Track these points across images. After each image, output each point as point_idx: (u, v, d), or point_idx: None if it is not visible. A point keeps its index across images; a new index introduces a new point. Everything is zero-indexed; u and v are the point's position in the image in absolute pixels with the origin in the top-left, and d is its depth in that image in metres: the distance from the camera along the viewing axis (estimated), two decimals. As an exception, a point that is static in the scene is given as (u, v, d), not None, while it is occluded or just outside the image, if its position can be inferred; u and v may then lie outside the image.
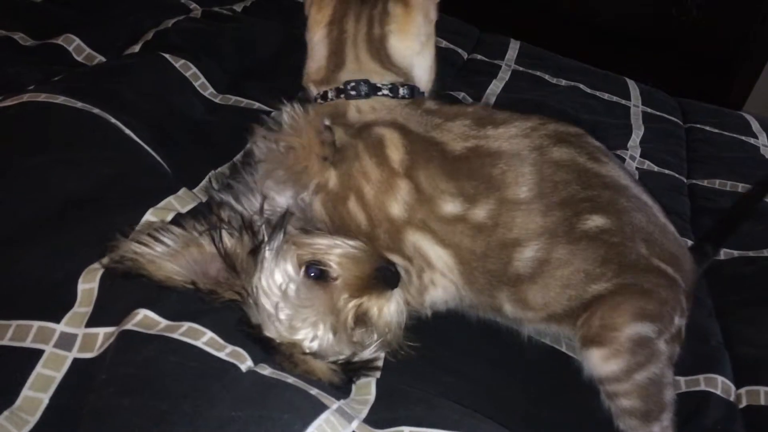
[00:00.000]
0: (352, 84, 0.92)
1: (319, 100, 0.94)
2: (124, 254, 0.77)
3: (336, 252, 0.82)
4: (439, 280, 0.86)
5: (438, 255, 0.85)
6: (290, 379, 0.72)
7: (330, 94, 0.93)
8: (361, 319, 0.81)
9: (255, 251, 0.80)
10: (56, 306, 0.77)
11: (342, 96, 0.91)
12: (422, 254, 0.85)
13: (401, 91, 0.93)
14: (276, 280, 0.79)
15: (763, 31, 2.76)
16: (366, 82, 0.92)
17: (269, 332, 0.78)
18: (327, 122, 0.90)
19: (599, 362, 0.83)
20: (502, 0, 3.11)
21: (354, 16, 0.96)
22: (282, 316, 0.78)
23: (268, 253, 0.81)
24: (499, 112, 0.91)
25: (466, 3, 3.01)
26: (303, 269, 0.81)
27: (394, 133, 0.86)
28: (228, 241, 0.80)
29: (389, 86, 0.92)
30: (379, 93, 0.92)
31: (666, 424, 0.84)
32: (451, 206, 0.83)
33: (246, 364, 0.73)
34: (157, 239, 0.78)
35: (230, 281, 0.79)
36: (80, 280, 0.79)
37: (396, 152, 0.85)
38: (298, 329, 0.78)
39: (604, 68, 1.98)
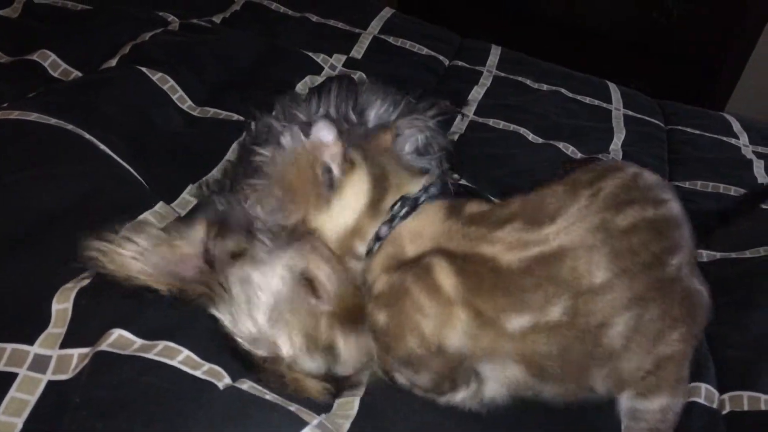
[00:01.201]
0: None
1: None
2: (90, 252, 0.76)
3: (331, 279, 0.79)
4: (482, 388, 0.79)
5: (501, 371, 0.77)
6: (269, 396, 0.71)
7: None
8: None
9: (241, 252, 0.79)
10: (30, 327, 0.76)
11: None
12: (477, 373, 0.78)
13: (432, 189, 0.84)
14: (269, 277, 0.77)
15: (743, 31, 2.79)
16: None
17: (238, 331, 0.75)
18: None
19: (643, 404, 0.79)
20: (484, 6, 3.13)
21: None
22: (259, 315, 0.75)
23: (264, 248, 0.79)
24: (544, 194, 0.80)
25: (449, 10, 3.05)
26: (298, 273, 0.78)
27: (441, 260, 0.78)
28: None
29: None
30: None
31: None
32: (517, 322, 0.74)
33: (224, 381, 0.72)
34: (128, 239, 0.77)
35: (203, 277, 0.78)
36: (54, 299, 0.77)
37: (447, 279, 0.76)
38: (275, 335, 0.75)
39: (585, 72, 1.99)
